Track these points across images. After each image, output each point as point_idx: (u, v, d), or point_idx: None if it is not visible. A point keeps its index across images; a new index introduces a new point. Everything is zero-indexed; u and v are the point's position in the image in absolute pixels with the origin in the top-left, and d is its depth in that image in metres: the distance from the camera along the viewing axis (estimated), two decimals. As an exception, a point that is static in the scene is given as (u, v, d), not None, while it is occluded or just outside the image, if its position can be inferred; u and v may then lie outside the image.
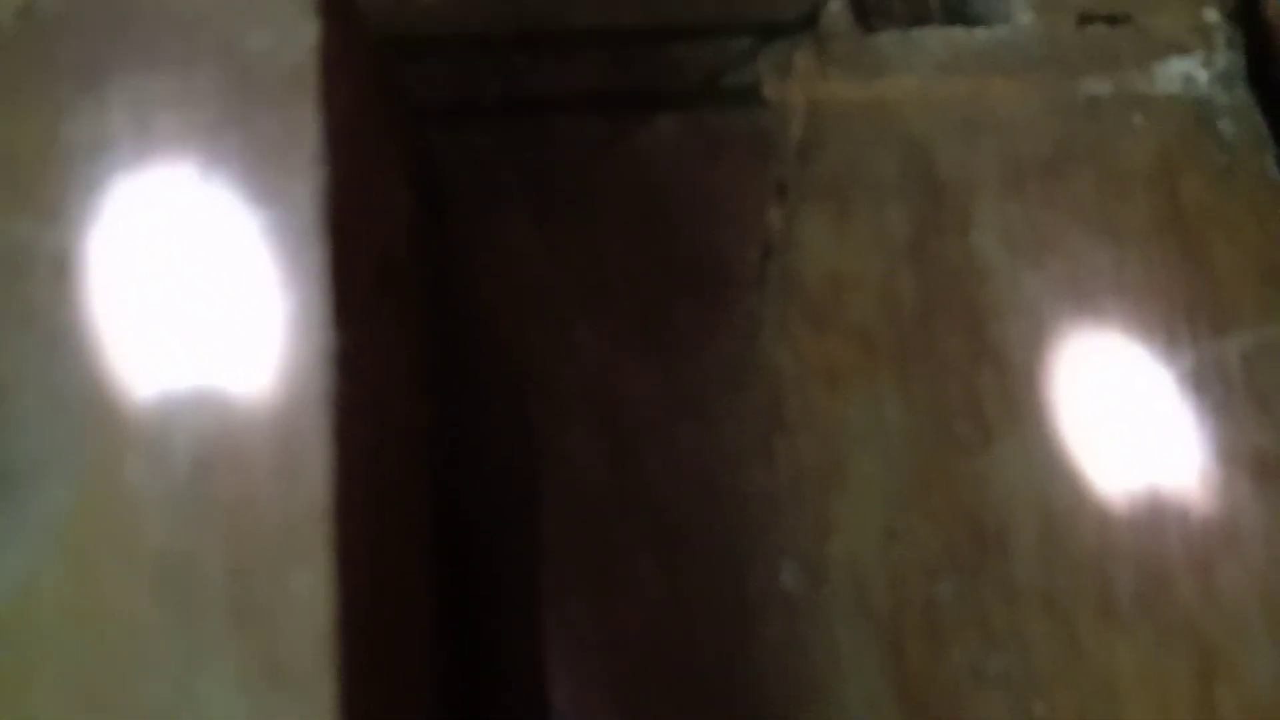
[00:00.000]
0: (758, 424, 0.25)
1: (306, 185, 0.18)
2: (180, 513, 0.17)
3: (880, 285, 0.26)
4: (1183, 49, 0.28)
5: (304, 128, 0.18)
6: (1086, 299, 0.26)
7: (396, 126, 0.25)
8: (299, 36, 0.19)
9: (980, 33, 0.28)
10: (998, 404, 0.25)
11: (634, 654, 0.24)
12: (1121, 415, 0.26)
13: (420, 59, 0.28)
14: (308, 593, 0.17)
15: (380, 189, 0.22)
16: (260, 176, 0.18)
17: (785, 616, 0.24)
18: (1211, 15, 0.28)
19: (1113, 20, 0.28)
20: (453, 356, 0.26)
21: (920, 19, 0.29)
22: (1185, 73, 0.28)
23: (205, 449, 0.17)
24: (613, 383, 0.26)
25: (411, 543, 0.21)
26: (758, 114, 0.27)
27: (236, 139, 0.18)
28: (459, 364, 0.26)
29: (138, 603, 0.17)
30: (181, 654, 0.17)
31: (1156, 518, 0.25)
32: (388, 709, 0.18)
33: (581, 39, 0.28)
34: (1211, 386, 0.26)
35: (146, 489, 0.17)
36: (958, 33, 0.28)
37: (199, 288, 0.18)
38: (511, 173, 0.27)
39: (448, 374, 0.26)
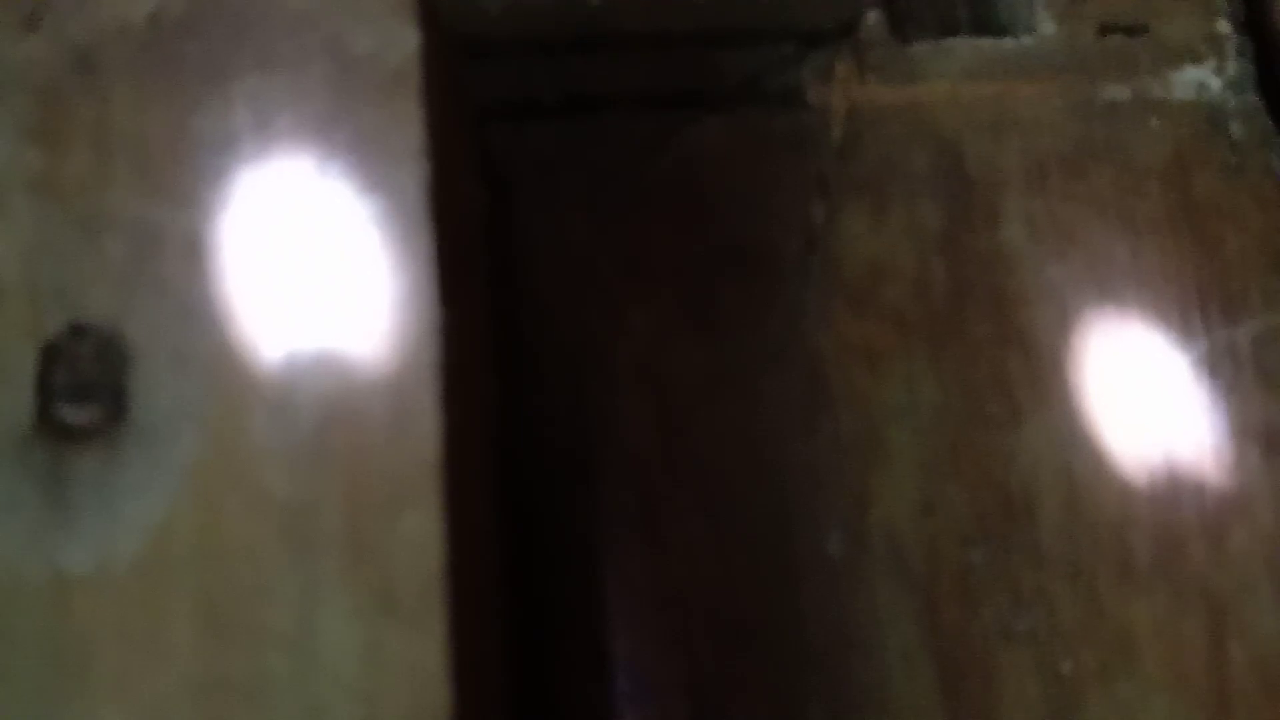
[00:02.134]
0: (801, 400, 0.27)
1: (412, 176, 0.20)
2: (302, 464, 0.19)
3: (915, 273, 0.28)
4: (1196, 57, 0.30)
5: (408, 124, 0.20)
6: (1106, 287, 0.28)
7: (468, 125, 0.27)
8: (401, 41, 0.21)
9: (1007, 42, 0.30)
10: (1024, 384, 0.27)
11: (688, 610, 0.26)
12: (1139, 394, 0.28)
13: (483, 62, 0.30)
14: (418, 534, 0.19)
15: (462, 182, 0.24)
16: (369, 167, 0.20)
17: (828, 579, 0.26)
18: (1223, 26, 0.30)
19: (1131, 30, 0.30)
20: (515, 336, 0.28)
21: (951, 29, 0.31)
22: (1198, 79, 0.29)
23: (326, 408, 0.19)
24: (663, 361, 0.28)
25: (487, 500, 0.23)
26: (800, 115, 0.29)
27: (347, 133, 0.20)
28: (520, 343, 0.28)
29: (262, 542, 0.19)
30: (302, 588, 0.19)
31: (1172, 488, 0.27)
32: (479, 644, 0.20)
33: (634, 43, 0.30)
34: (1223, 368, 0.28)
35: (271, 442, 0.19)
36: (985, 42, 0.30)
37: (318, 266, 0.20)
38: (568, 168, 0.29)
39: (511, 352, 0.28)
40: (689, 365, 0.27)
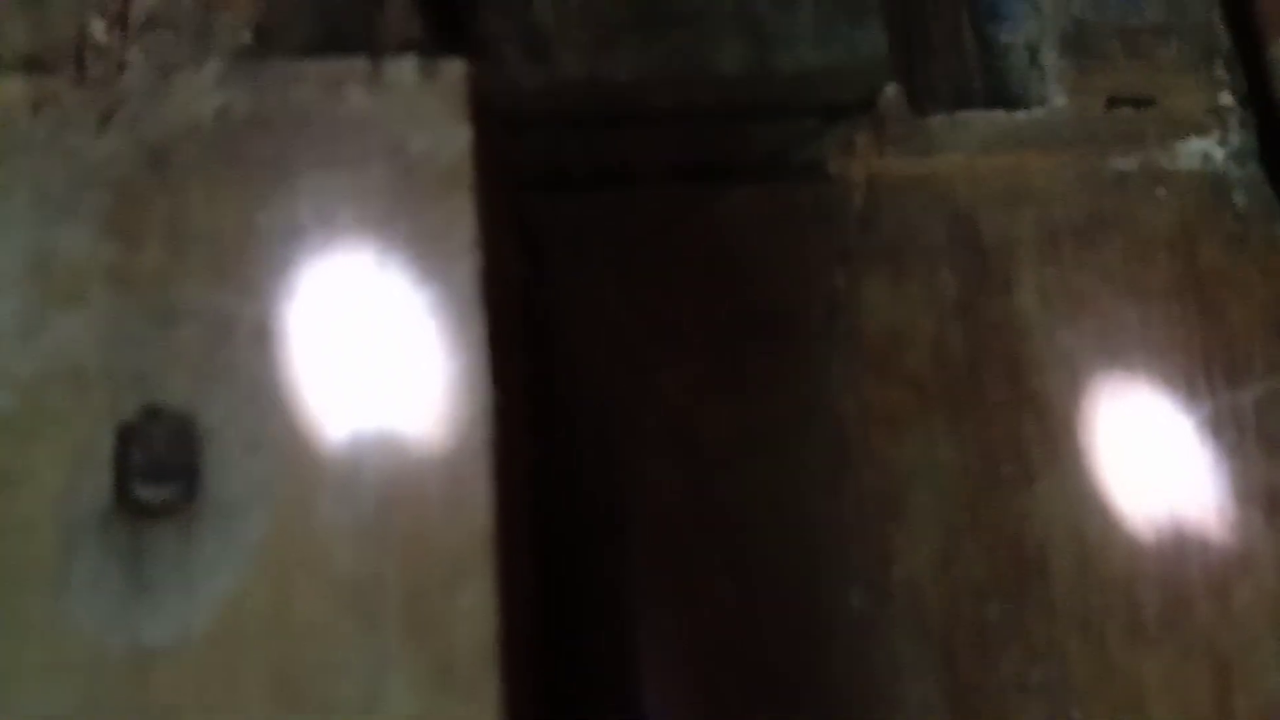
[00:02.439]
0: (824, 461, 0.28)
1: (466, 267, 0.21)
2: (366, 541, 0.20)
3: (933, 339, 0.29)
4: (1201, 130, 0.31)
5: (461, 218, 0.22)
6: (1116, 352, 0.29)
7: (509, 197, 0.28)
8: (454, 139, 0.22)
9: (1019, 114, 0.31)
10: (1038, 445, 0.29)
11: (714, 663, 0.27)
12: (1147, 456, 0.29)
13: (517, 135, 0.31)
14: (475, 607, 0.20)
15: (506, 261, 0.25)
16: (426, 259, 0.22)
17: (851, 632, 0.27)
18: (1226, 99, 0.31)
19: (1138, 103, 0.31)
20: (548, 398, 0.29)
21: (965, 103, 0.32)
22: (1203, 151, 0.31)
23: (388, 488, 0.20)
24: (691, 423, 0.29)
25: (529, 565, 0.25)
26: (822, 186, 0.30)
27: (405, 227, 0.22)
28: (554, 404, 0.29)
29: (330, 617, 0.20)
30: (368, 660, 0.20)
31: (1179, 547, 0.28)
32: (529, 707, 0.22)
33: (663, 118, 0.31)
34: (1227, 431, 0.29)
35: (337, 521, 0.20)
36: (999, 115, 0.31)
37: (379, 352, 0.21)
38: (600, 237, 0.31)
39: (545, 413, 0.29)
40: (717, 427, 0.29)
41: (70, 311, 0.21)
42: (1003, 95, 0.32)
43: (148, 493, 0.21)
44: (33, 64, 0.25)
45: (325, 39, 0.32)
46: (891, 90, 0.31)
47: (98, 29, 0.33)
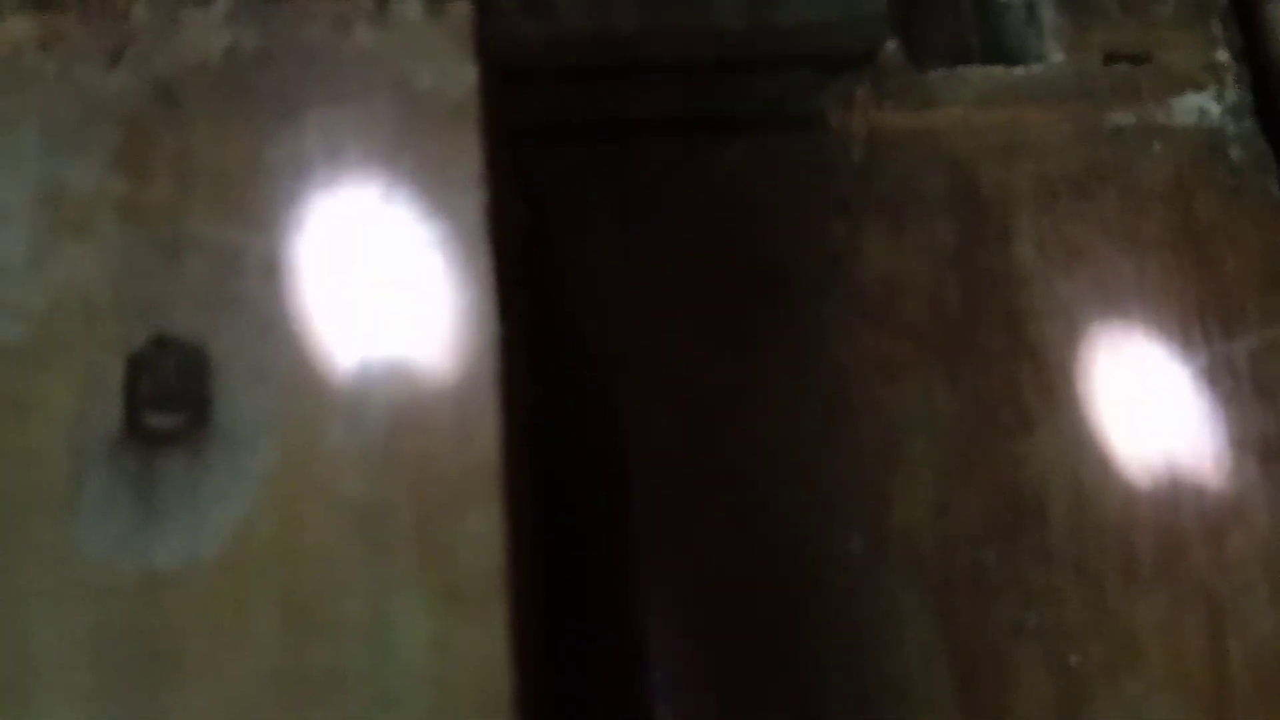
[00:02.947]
0: (823, 410, 0.29)
1: (472, 201, 0.22)
2: (374, 468, 0.20)
3: (930, 289, 0.30)
4: (1197, 85, 0.31)
5: (468, 153, 0.22)
6: (1112, 303, 0.30)
7: (509, 145, 0.28)
8: (461, 76, 0.22)
9: (1017, 70, 0.32)
10: (1034, 394, 0.29)
11: (716, 607, 0.27)
12: (1143, 405, 0.29)
13: (519, 86, 0.31)
14: (482, 532, 0.20)
15: (507, 204, 0.25)
16: (433, 193, 0.22)
17: (850, 578, 0.28)
18: (1222, 55, 0.31)
19: (1135, 59, 0.31)
20: (549, 347, 0.29)
21: (963, 58, 0.32)
22: (1199, 106, 0.31)
23: (396, 416, 0.21)
24: (692, 372, 0.29)
25: (530, 502, 0.25)
26: (821, 139, 0.31)
27: (411, 162, 0.22)
28: (554, 354, 0.29)
29: (338, 542, 0.20)
30: (376, 583, 0.20)
31: (1173, 493, 0.28)
32: (530, 636, 0.22)
33: (663, 70, 0.31)
34: (1222, 380, 0.29)
35: (345, 448, 0.21)
36: (997, 70, 0.32)
37: (386, 284, 0.22)
38: (600, 188, 0.31)
39: (546, 362, 0.29)
40: (717, 375, 0.29)
41: (80, 243, 0.22)
42: (1000, 51, 0.32)
43: (157, 420, 0.21)
44: (39, 3, 0.25)
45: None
46: (891, 44, 0.31)
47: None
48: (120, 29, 0.23)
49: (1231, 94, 0.31)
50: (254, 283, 0.22)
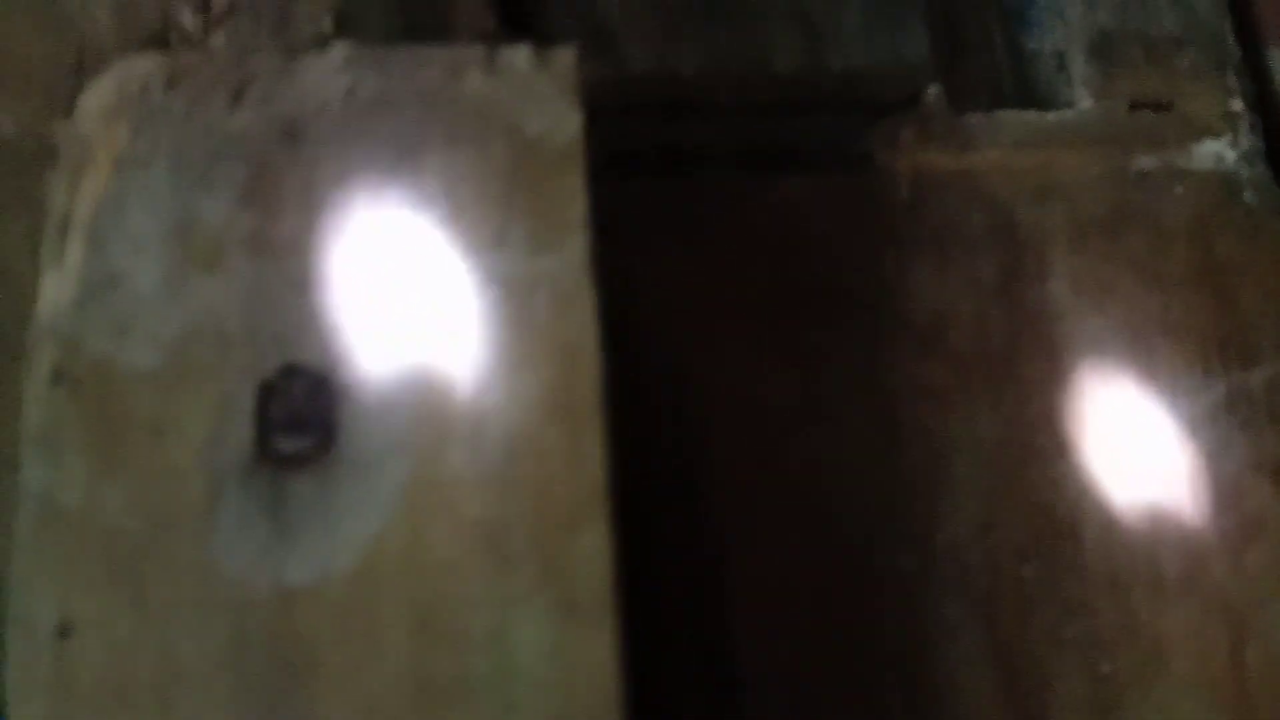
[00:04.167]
0: (876, 432, 0.31)
1: (579, 241, 0.23)
2: (493, 489, 0.22)
3: (973, 321, 0.32)
4: (1214, 132, 0.33)
5: (574, 196, 0.23)
6: (1138, 336, 0.32)
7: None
8: (567, 122, 0.24)
9: (1050, 115, 0.34)
10: (1070, 420, 0.31)
11: (783, 614, 0.29)
12: (1167, 431, 0.31)
13: (594, 122, 0.33)
14: (594, 549, 0.22)
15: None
16: (544, 233, 0.23)
17: (900, 591, 0.29)
18: (1237, 105, 0.34)
19: (1158, 107, 0.34)
20: (623, 367, 0.31)
21: (998, 103, 0.34)
22: (1216, 152, 0.33)
23: (512, 440, 0.22)
24: (756, 391, 0.31)
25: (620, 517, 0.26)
26: (871, 177, 0.33)
27: (524, 203, 0.23)
28: (628, 373, 0.31)
29: (463, 557, 0.22)
30: (499, 596, 0.22)
31: (1196, 512, 0.31)
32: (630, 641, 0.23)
33: (722, 110, 0.33)
34: (1240, 408, 0.32)
35: (466, 470, 0.22)
36: (1031, 115, 0.34)
37: (501, 318, 0.23)
38: (668, 220, 0.33)
39: (619, 382, 0.31)
40: (780, 397, 0.31)
41: (211, 274, 0.23)
42: (1031, 97, 0.35)
43: (287, 444, 0.22)
44: (162, 41, 0.26)
45: (403, 29, 0.34)
46: (934, 90, 0.33)
47: (183, 14, 0.34)
48: (242, 69, 0.24)
49: (1246, 141, 0.34)
50: (377, 314, 0.23)
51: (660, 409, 0.30)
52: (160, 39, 0.33)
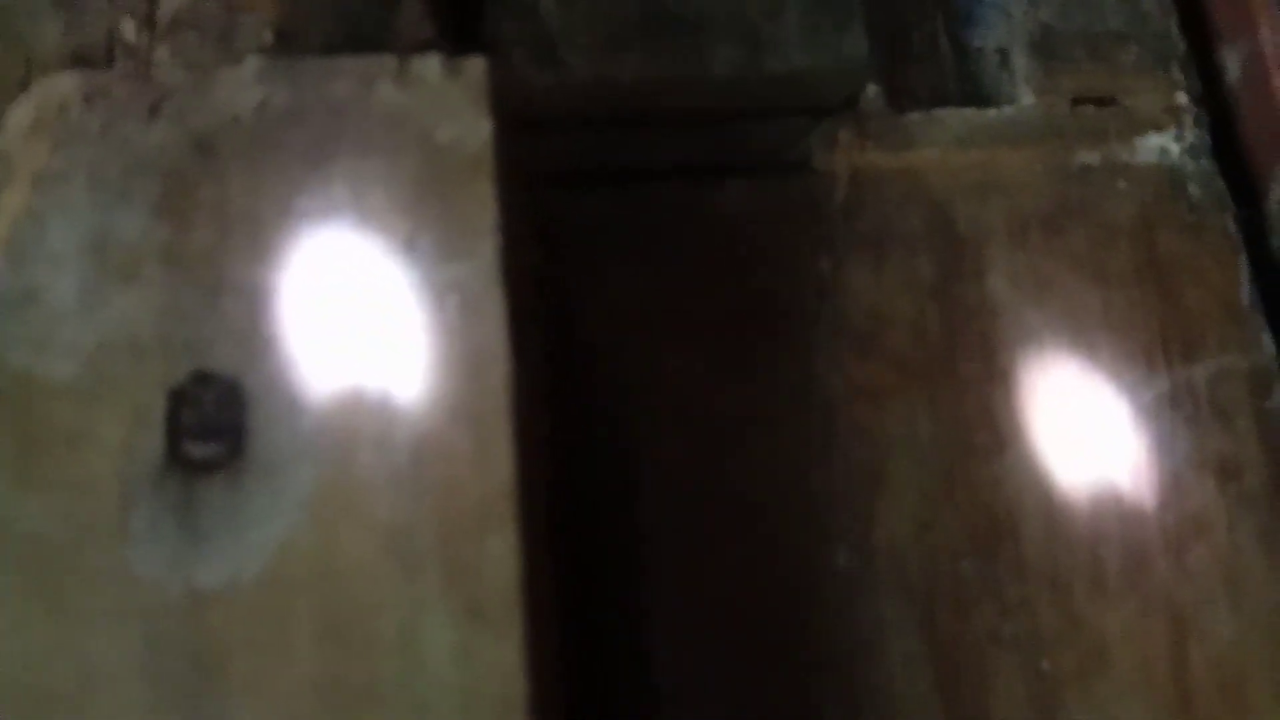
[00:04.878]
0: (815, 433, 0.31)
1: (488, 247, 0.23)
2: (402, 493, 0.22)
3: (911, 320, 0.32)
4: (1159, 126, 0.33)
5: (484, 202, 0.24)
6: (1080, 332, 0.32)
7: (521, 190, 0.30)
8: (477, 131, 0.24)
9: (990, 112, 0.34)
10: (1009, 418, 0.31)
11: (718, 617, 0.29)
12: (1109, 426, 0.31)
13: (533, 134, 0.33)
14: (501, 552, 0.22)
15: (521, 244, 0.27)
16: (452, 239, 0.24)
17: (839, 590, 0.29)
18: (1182, 99, 0.34)
19: (1101, 102, 0.34)
20: (564, 377, 0.31)
21: (941, 102, 0.34)
22: (1161, 146, 0.33)
23: (419, 443, 0.22)
24: (696, 398, 0.31)
25: (544, 523, 0.27)
26: (809, 180, 0.33)
27: (433, 210, 0.24)
28: (569, 383, 0.31)
29: (371, 561, 0.22)
30: (407, 599, 0.22)
31: (1139, 510, 0.30)
32: (545, 647, 0.24)
33: (664, 118, 0.33)
34: (1183, 404, 0.31)
35: (374, 474, 0.22)
36: (971, 112, 0.34)
37: (409, 322, 0.23)
38: (608, 228, 0.33)
39: (561, 391, 0.31)
40: (720, 403, 0.31)
41: (127, 287, 0.23)
42: (975, 95, 0.35)
43: (198, 450, 0.23)
44: (73, 61, 0.26)
45: (343, 40, 0.34)
46: (872, 90, 0.33)
47: (128, 29, 0.35)
48: (157, 85, 0.25)
49: (1191, 135, 0.33)
50: (286, 321, 0.23)
51: (601, 418, 0.30)
52: (107, 54, 0.34)
